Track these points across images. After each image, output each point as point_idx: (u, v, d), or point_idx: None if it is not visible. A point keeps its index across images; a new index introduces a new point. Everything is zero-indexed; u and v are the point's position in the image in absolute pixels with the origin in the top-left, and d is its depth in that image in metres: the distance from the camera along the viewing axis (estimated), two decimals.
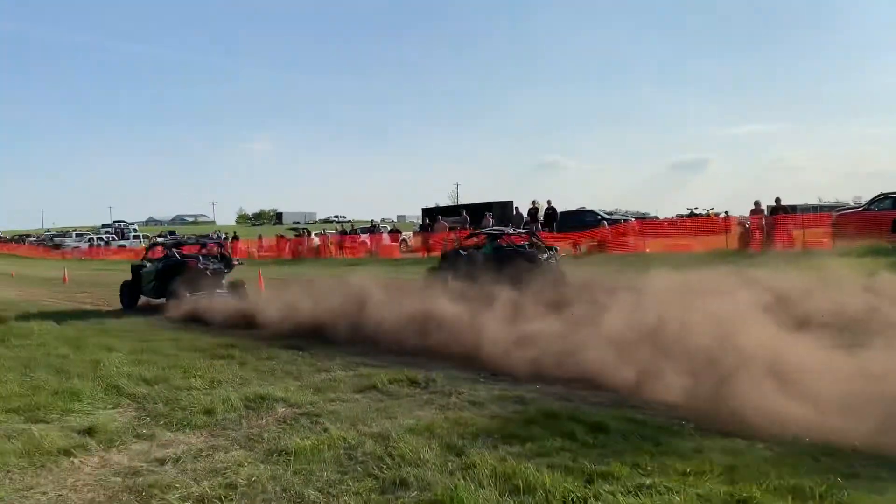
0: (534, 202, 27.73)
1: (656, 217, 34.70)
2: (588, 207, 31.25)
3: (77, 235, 64.01)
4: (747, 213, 23.43)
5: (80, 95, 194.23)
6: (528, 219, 27.47)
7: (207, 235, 44.72)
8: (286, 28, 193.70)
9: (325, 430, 5.07)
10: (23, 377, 7.21)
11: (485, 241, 15.63)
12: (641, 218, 31.49)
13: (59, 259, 47.05)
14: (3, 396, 6.33)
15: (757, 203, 23.06)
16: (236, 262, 15.28)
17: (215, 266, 14.34)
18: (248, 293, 13.48)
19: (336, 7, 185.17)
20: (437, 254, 21.90)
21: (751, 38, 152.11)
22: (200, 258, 14.80)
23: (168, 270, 13.85)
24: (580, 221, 28.15)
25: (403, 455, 4.40)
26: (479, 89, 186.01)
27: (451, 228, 28.92)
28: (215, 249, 16.38)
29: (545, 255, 14.38)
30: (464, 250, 15.58)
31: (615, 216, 30.36)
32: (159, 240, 20.67)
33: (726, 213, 25.58)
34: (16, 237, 70.29)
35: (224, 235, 44.47)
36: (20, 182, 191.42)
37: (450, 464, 4.25)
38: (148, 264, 14.74)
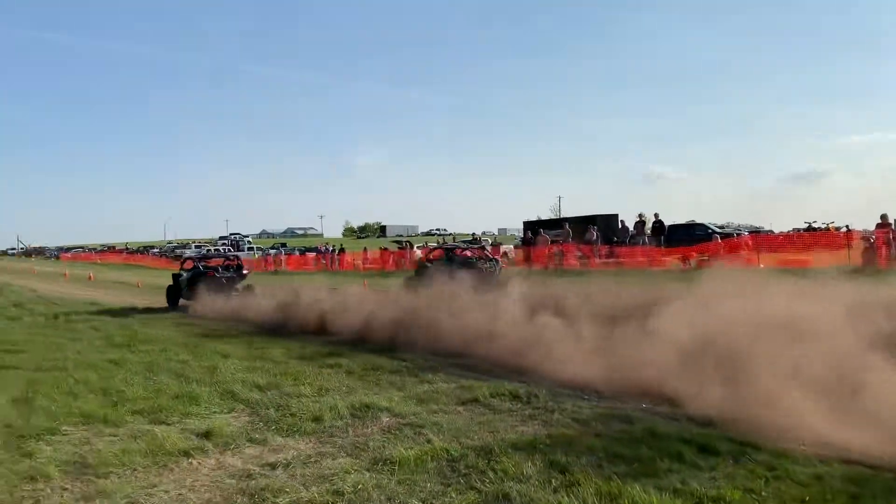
0: (640, 215, 27.15)
1: (771, 231, 33.11)
2: (698, 220, 30.21)
3: (196, 247, 67.47)
4: (872, 227, 22.03)
5: (201, 113, 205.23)
6: (635, 232, 26.90)
7: (316, 247, 46.24)
8: (391, 43, 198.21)
9: (429, 441, 5.12)
10: (147, 381, 7.66)
11: (443, 254, 19.93)
12: (755, 232, 30.15)
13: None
14: (129, 399, 6.75)
15: (884, 216, 21.62)
16: (246, 272, 19.26)
17: (229, 275, 18.20)
18: (256, 295, 16.49)
19: (438, 21, 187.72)
20: (539, 267, 22.13)
21: (875, 41, 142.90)
22: (219, 269, 18.63)
23: (194, 279, 17.53)
24: (690, 235, 27.25)
25: (506, 470, 4.38)
26: (581, 98, 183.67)
27: (552, 242, 28.68)
28: (234, 262, 20.41)
29: (487, 265, 18.08)
30: (430, 262, 19.41)
31: (727, 230, 29.22)
32: (188, 254, 24.02)
33: (847, 226, 24.16)
34: (141, 249, 74.97)
35: (332, 247, 45.78)
36: (145, 197, 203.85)
37: (553, 480, 4.20)
38: (184, 273, 18.14)
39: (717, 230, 28.07)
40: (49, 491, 4.36)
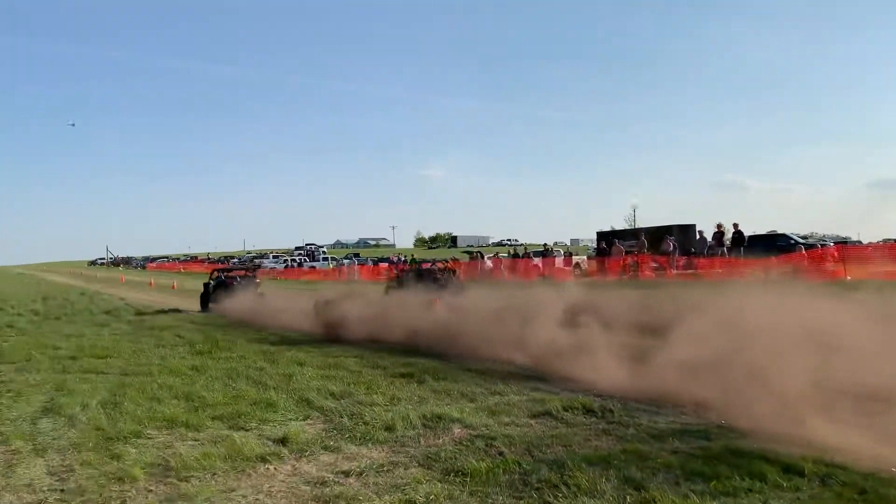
0: (719, 225, 26.41)
1: (859, 242, 31.70)
2: (779, 230, 29.18)
3: (274, 257, 69.22)
4: None
5: (279, 128, 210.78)
6: (713, 242, 26.19)
7: (388, 258, 46.77)
8: (465, 57, 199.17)
9: (500, 453, 5.10)
10: (226, 387, 7.90)
11: (413, 267, 24.38)
12: (841, 243, 28.92)
13: (307, 280, 50.84)
14: (210, 404, 6.97)
15: None
16: (258, 281, 22.88)
17: (245, 283, 21.51)
18: (266, 299, 19.68)
19: (510, 34, 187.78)
20: (613, 278, 21.86)
21: None
22: (237, 278, 22.14)
23: (217, 286, 21.04)
24: (771, 246, 26.32)
25: (579, 484, 4.32)
26: (659, 106, 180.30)
27: (627, 252, 28.19)
28: (250, 273, 24.48)
29: (445, 276, 21.13)
30: (404, 273, 23.14)
31: (810, 240, 28.13)
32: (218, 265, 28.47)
33: None
34: (222, 259, 77.48)
35: (403, 258, 46.23)
36: (226, 209, 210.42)
37: (628, 497, 4.12)
38: (212, 282, 21.47)
39: (800, 240, 27.06)
40: (134, 492, 4.53)
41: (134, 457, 5.25)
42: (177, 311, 20.35)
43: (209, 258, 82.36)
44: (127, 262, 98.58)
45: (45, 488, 4.65)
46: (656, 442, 5.33)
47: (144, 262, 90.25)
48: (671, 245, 26.68)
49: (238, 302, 18.56)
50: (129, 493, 4.51)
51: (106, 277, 53.66)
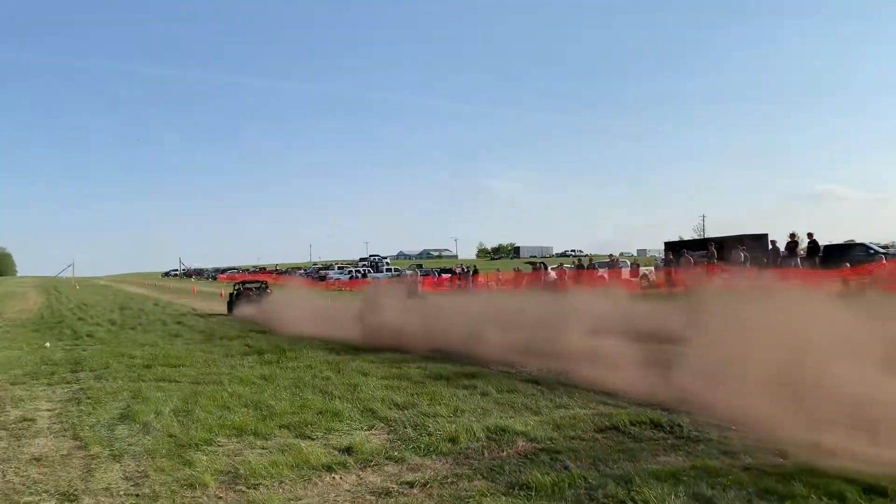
0: (792, 235, 25.54)
1: None
2: (858, 240, 28.02)
3: (339, 268, 70.25)
4: None
5: (340, 141, 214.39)
6: (787, 253, 25.33)
7: (451, 268, 46.95)
8: (522, 70, 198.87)
9: (566, 467, 5.03)
10: (293, 396, 8.03)
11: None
12: None
13: (322, 289, 51.91)
14: (277, 413, 7.10)
15: None
16: (269, 291, 27.57)
17: (258, 293, 26.59)
18: (274, 304, 22.75)
19: (570, 44, 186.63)
20: (682, 290, 21.32)
21: None
22: (253, 288, 27.56)
23: (238, 295, 26.31)
24: (848, 256, 25.29)
25: (647, 500, 4.22)
26: (724, 114, 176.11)
27: (696, 263, 27.54)
28: (263, 284, 29.84)
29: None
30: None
31: (891, 250, 26.92)
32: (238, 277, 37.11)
33: None
34: (289, 270, 79.12)
35: (466, 269, 46.26)
36: (292, 220, 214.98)
37: None
38: (234, 292, 27.13)
39: (881, 250, 25.93)
40: (205, 499, 4.65)
41: (205, 464, 5.38)
42: (214, 314, 25.04)
43: (277, 269, 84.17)
44: (199, 273, 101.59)
45: (122, 493, 4.81)
46: (727, 458, 5.18)
47: (215, 274, 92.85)
48: (742, 255, 25.92)
49: (252, 307, 23.33)
50: (201, 500, 4.63)
51: (178, 288, 55.38)
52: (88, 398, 8.28)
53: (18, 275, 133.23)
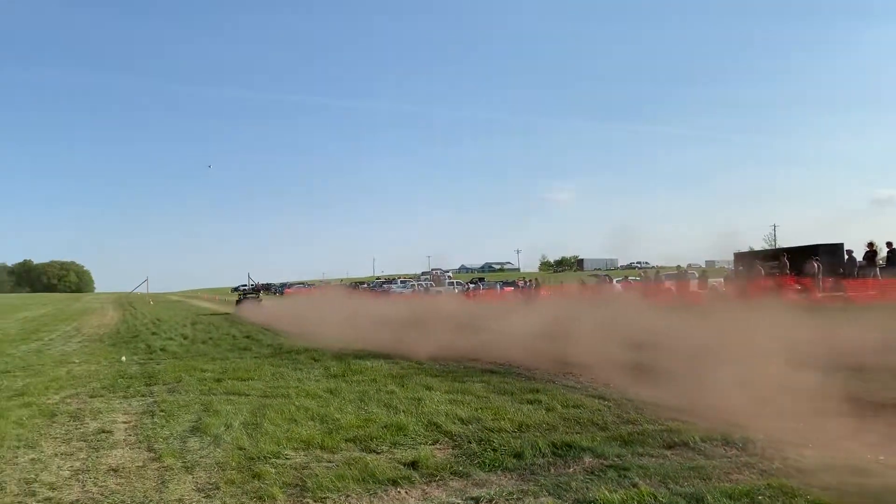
0: (870, 244, 24.56)
1: None
2: None
3: (401, 282, 70.86)
4: None
5: (402, 156, 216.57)
6: (864, 262, 24.37)
7: (514, 282, 46.77)
8: (583, 80, 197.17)
9: (634, 484, 4.92)
10: (358, 410, 8.10)
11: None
12: None
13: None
14: (343, 427, 7.17)
15: None
16: (260, 300, 40.13)
17: (254, 298, 39.76)
18: (263, 308, 35.00)
19: (632, 53, 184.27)
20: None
21: None
22: (255, 293, 42.73)
23: (239, 300, 39.95)
24: None
25: None
26: (797, 120, 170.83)
27: (767, 274, 26.73)
28: (257, 293, 44.81)
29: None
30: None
31: None
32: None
33: None
34: (353, 284, 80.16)
35: (529, 282, 46.08)
36: (355, 234, 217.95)
37: None
38: (238, 298, 41.71)
39: None
40: None
41: (273, 476, 5.47)
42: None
43: (341, 283, 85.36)
44: (266, 287, 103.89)
45: None
46: (805, 476, 4.99)
47: (282, 288, 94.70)
48: (816, 266, 25.04)
49: (247, 309, 34.61)
50: None
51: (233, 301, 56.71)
52: (162, 411, 8.54)
53: (96, 291, 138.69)
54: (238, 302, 40.23)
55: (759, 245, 68.20)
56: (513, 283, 52.64)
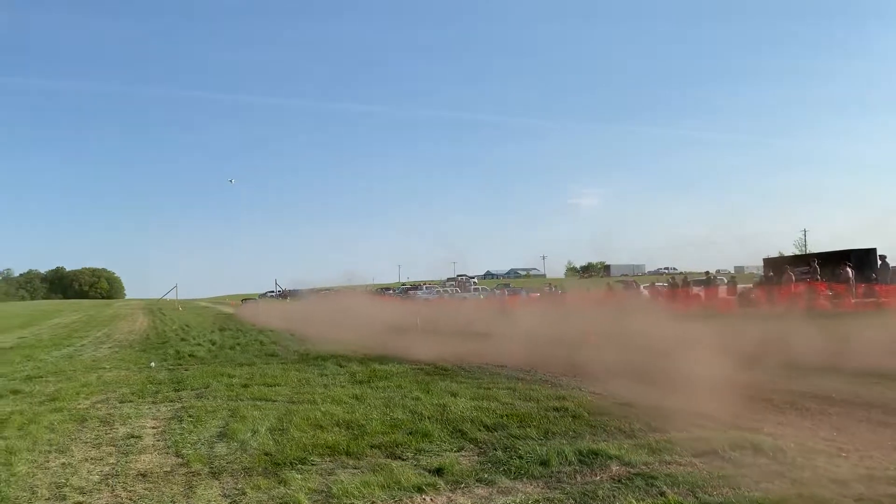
0: None
1: None
2: None
3: (427, 288, 70.89)
4: None
5: (429, 162, 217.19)
6: None
7: (542, 287, 46.74)
8: (608, 81, 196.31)
9: (662, 493, 4.86)
10: (384, 416, 8.11)
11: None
12: None
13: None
14: (369, 433, 7.18)
15: None
16: (257, 301, 64.53)
17: (253, 303, 63.85)
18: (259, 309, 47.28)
19: (660, 56, 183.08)
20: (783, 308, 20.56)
21: None
22: (250, 301, 69.75)
23: (243, 301, 66.72)
24: None
25: None
26: (833, 122, 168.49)
27: (798, 280, 26.35)
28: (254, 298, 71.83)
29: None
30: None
31: None
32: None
33: None
34: (379, 290, 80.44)
35: (554, 287, 45.92)
36: (382, 241, 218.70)
37: None
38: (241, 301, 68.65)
39: None
40: None
41: (299, 482, 5.49)
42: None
43: (367, 288, 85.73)
44: (293, 293, 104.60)
45: None
46: (837, 487, 4.88)
47: (292, 293, 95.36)
48: (849, 272, 24.63)
49: (247, 309, 44.53)
50: None
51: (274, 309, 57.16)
52: (190, 416, 8.61)
53: (127, 297, 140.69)
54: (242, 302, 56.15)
55: (790, 250, 67.16)
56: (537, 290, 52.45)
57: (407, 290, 75.60)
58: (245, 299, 57.52)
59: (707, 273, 37.74)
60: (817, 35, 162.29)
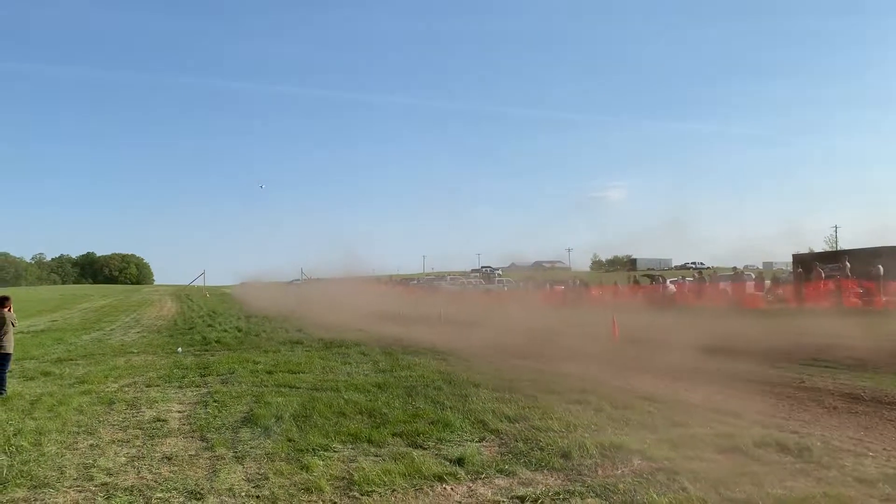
0: None
1: None
2: None
3: (451, 279, 70.94)
4: None
5: (454, 152, 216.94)
6: None
7: (566, 280, 46.52)
8: (638, 76, 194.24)
9: (684, 489, 4.82)
10: (405, 405, 8.14)
11: None
12: None
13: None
14: (390, 421, 7.22)
15: None
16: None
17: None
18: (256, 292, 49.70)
19: (686, 52, 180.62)
20: (812, 305, 20.27)
21: None
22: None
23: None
24: None
25: None
26: (863, 118, 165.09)
27: (827, 277, 25.95)
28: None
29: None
30: None
31: None
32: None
33: None
34: (402, 280, 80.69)
35: (578, 281, 45.68)
36: (405, 232, 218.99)
37: None
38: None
39: None
40: (321, 503, 4.77)
41: (321, 469, 5.54)
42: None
43: (391, 279, 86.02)
44: (311, 282, 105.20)
45: (244, 494, 5.01)
46: (863, 486, 4.81)
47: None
48: (879, 269, 24.20)
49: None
50: None
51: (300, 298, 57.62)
52: (215, 401, 8.72)
53: (155, 283, 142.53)
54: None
55: (820, 247, 66.14)
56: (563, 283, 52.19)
57: (431, 280, 75.71)
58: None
59: (735, 268, 37.33)
60: (856, 31, 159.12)
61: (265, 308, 33.09)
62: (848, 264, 26.24)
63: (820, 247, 66.77)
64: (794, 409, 7.78)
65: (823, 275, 26.50)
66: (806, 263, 30.92)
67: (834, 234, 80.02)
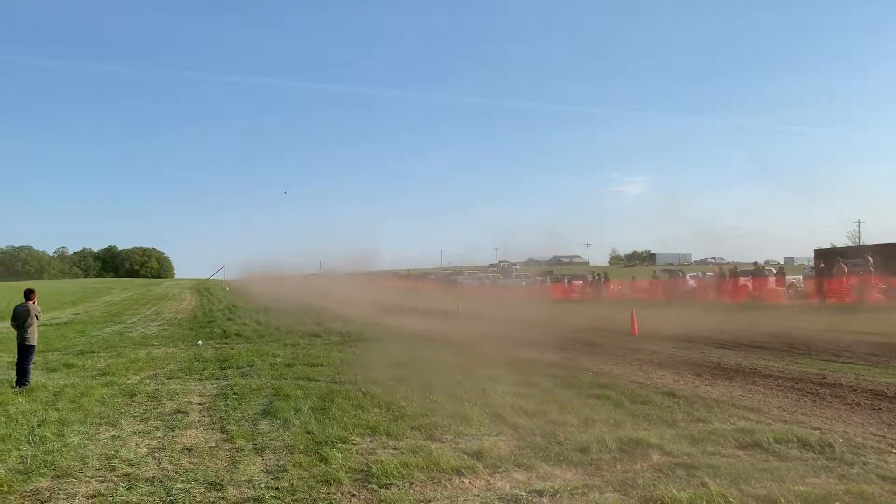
0: None
1: None
2: None
3: (469, 274, 70.88)
4: None
5: (468, 147, 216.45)
6: None
7: (585, 275, 46.30)
8: (656, 70, 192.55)
9: (703, 484, 4.78)
10: (424, 399, 8.14)
11: None
12: None
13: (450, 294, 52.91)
14: (409, 415, 7.22)
15: None
16: None
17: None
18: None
19: (706, 48, 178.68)
20: (834, 301, 20.04)
21: None
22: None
23: None
24: None
25: None
26: (889, 112, 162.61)
27: (850, 272, 25.62)
28: None
29: None
30: None
31: None
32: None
33: None
34: (420, 275, 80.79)
35: (597, 276, 45.43)
36: (423, 227, 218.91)
37: None
38: None
39: None
40: (339, 495, 4.79)
41: (340, 461, 5.56)
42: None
43: (409, 273, 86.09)
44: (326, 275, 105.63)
45: (263, 485, 5.04)
46: (887, 484, 4.75)
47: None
48: None
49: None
50: (335, 496, 4.77)
51: (318, 292, 57.87)
52: (235, 394, 8.78)
53: (176, 277, 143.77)
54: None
55: (843, 242, 65.31)
56: (582, 277, 51.94)
57: (449, 276, 75.73)
58: None
59: (755, 263, 36.94)
60: (878, 24, 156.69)
61: (279, 301, 33.22)
62: (871, 259, 25.88)
63: (842, 242, 65.82)
64: (816, 405, 7.69)
65: (846, 270, 26.15)
66: (828, 258, 30.53)
67: (857, 228, 78.93)
